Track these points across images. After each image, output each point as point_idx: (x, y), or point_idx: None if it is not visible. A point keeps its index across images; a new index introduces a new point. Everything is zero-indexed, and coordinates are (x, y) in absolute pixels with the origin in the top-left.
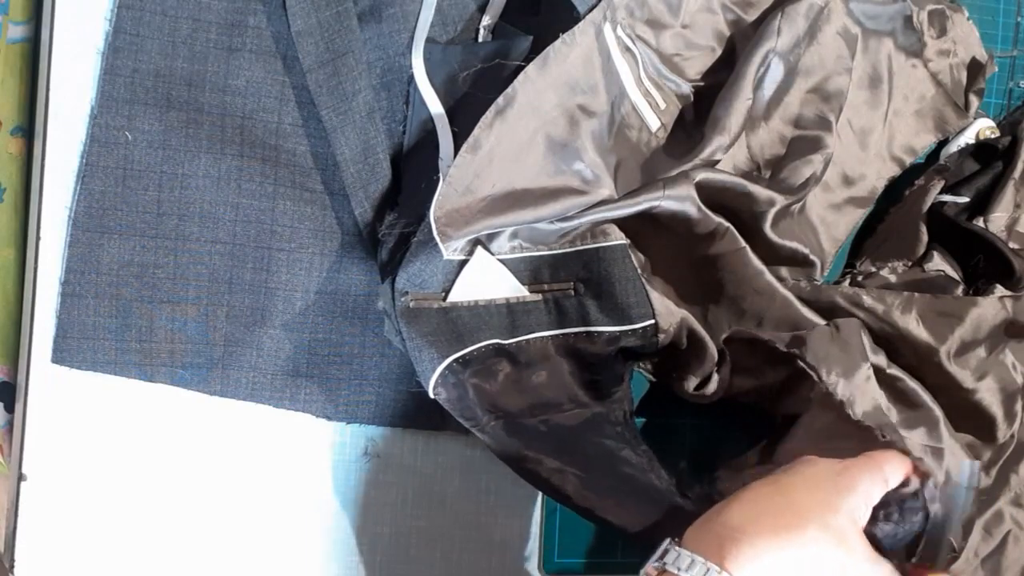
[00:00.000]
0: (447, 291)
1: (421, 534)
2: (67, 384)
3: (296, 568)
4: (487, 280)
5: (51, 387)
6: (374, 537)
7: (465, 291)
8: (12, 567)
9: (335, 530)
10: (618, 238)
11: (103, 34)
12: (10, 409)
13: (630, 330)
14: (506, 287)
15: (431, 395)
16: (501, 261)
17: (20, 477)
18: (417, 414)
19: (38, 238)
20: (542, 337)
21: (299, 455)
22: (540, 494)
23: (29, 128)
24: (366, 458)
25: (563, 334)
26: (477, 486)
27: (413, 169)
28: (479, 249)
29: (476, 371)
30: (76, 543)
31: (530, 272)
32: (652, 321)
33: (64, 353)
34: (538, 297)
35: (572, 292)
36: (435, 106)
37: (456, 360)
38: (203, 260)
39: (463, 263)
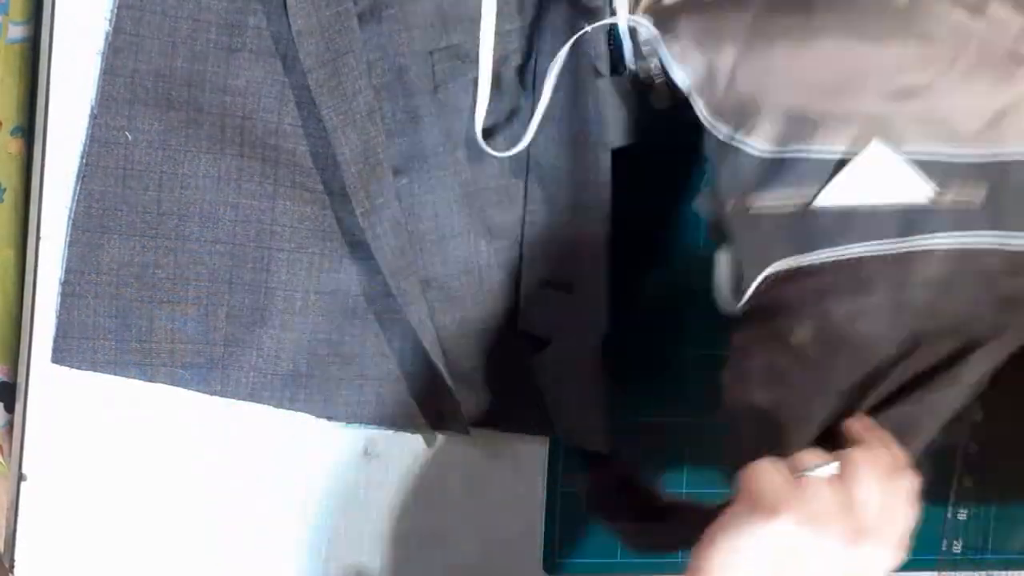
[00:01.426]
0: (814, 192)
1: (421, 534)
2: (67, 384)
3: (295, 568)
4: (876, 179)
5: (51, 387)
6: (374, 537)
7: (841, 194)
8: (12, 567)
9: (335, 530)
10: None
11: (103, 34)
12: (10, 409)
13: None
14: (903, 190)
15: (733, 300)
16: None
17: (20, 477)
18: (417, 414)
19: (38, 238)
20: (943, 246)
21: (299, 455)
22: (541, 494)
23: (29, 128)
24: (366, 458)
25: (968, 248)
26: (477, 486)
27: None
28: (873, 143)
29: (821, 283)
30: (76, 543)
31: (939, 176)
32: None
33: (64, 353)
34: (941, 200)
35: (978, 203)
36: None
37: (799, 268)
38: (203, 260)
39: (828, 163)
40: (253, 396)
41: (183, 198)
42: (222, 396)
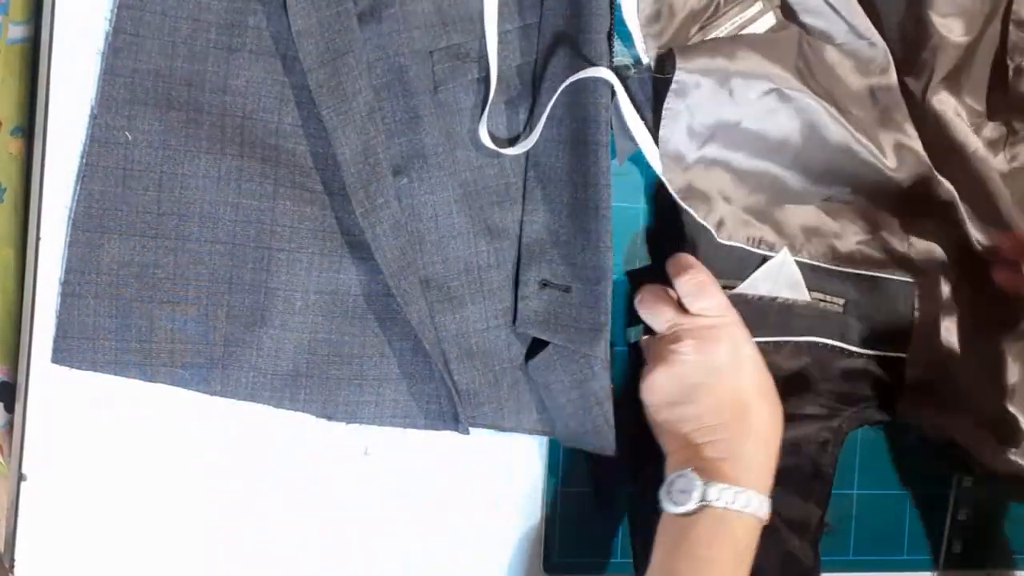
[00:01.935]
0: (736, 279)
1: (421, 534)
2: (67, 384)
3: (295, 568)
4: (779, 279)
5: (51, 387)
6: (374, 537)
7: (757, 285)
8: (12, 567)
9: (334, 530)
10: (902, 275)
11: (103, 34)
12: (10, 409)
13: (875, 356)
14: (792, 290)
15: None
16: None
17: (20, 477)
18: (417, 414)
19: (38, 238)
20: (807, 342)
21: (299, 455)
22: (541, 494)
23: (29, 128)
24: (366, 458)
25: (821, 343)
26: (477, 486)
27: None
28: (784, 250)
29: None
30: (76, 543)
31: (813, 280)
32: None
33: (64, 353)
34: (815, 305)
35: (840, 309)
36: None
37: None
38: (203, 260)
39: (756, 256)
40: (253, 396)
41: (183, 198)
42: (222, 396)
